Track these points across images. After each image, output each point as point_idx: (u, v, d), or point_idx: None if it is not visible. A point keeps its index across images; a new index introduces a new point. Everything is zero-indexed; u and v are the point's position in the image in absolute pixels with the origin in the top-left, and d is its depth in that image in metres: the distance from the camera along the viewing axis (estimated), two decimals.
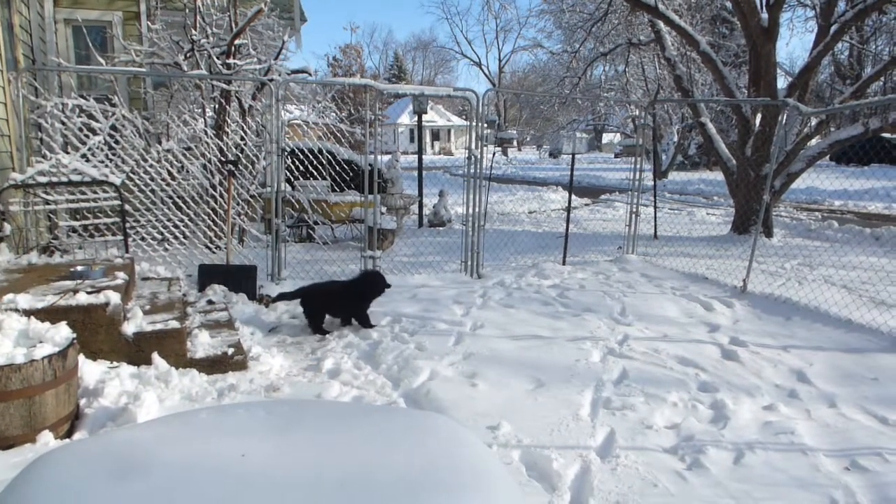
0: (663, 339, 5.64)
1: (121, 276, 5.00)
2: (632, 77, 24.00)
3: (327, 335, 5.62)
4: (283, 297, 5.94)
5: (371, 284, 5.90)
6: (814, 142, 11.34)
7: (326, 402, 3.98)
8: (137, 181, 7.49)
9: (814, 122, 11.23)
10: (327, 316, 5.90)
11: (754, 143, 10.98)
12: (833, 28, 10.50)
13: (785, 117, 8.38)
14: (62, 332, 3.63)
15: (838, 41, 11.10)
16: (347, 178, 9.75)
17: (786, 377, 4.81)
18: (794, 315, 6.43)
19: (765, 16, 10.59)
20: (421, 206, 13.49)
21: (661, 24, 12.69)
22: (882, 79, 12.53)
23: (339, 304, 5.90)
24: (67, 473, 1.33)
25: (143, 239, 7.57)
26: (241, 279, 6.64)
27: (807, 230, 12.03)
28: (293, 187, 9.61)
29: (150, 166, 7.55)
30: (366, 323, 5.84)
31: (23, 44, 6.94)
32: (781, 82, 12.76)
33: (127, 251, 6.54)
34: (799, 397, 4.42)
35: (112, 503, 1.22)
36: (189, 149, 8.05)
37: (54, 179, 6.46)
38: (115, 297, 4.39)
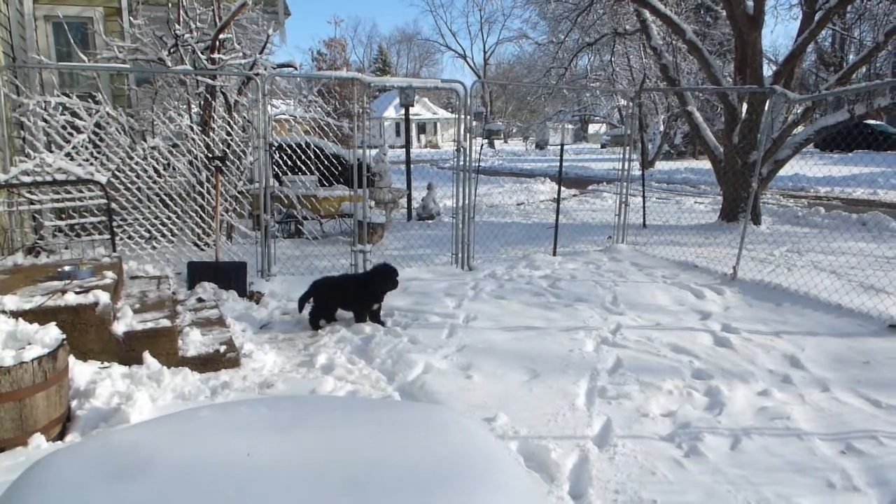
0: (656, 328, 5.66)
1: (109, 276, 4.94)
2: (618, 67, 24.04)
3: (319, 331, 5.59)
4: (303, 300, 5.78)
5: (384, 277, 5.74)
6: (800, 129, 11.39)
7: (328, 397, 3.95)
8: (123, 179, 7.41)
9: (800, 109, 11.29)
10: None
11: (741, 131, 11.02)
12: (818, 15, 10.53)
13: (772, 105, 8.40)
14: (51, 333, 3.58)
15: (823, 28, 11.11)
16: (336, 173, 9.69)
17: (779, 363, 4.83)
18: (785, 301, 6.46)
19: (750, 3, 10.59)
20: (410, 200, 13.45)
21: (647, 13, 12.70)
22: (866, 65, 12.56)
23: (353, 298, 5.79)
24: (70, 476, 1.30)
25: (130, 237, 7.50)
26: (230, 276, 6.58)
27: (794, 217, 12.10)
28: (281, 183, 9.55)
29: (136, 164, 7.47)
30: (377, 319, 5.76)
31: (2, 41, 6.83)
32: (766, 70, 12.80)
33: (114, 250, 6.47)
34: (792, 382, 4.44)
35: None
36: (175, 145, 7.97)
37: (38, 179, 6.38)
38: (104, 297, 4.34)
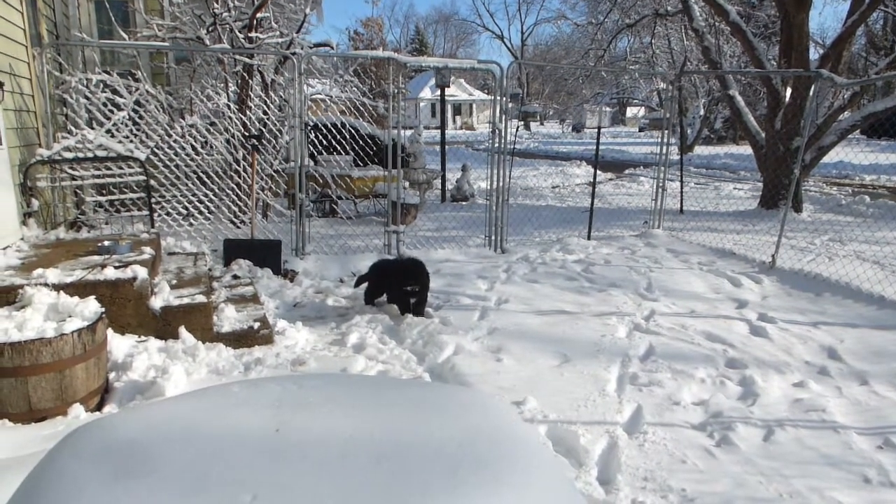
0: (690, 315, 5.57)
1: (147, 251, 5.03)
2: (658, 49, 23.57)
3: (349, 309, 5.63)
4: (361, 279, 5.92)
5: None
6: (846, 114, 11.04)
7: (358, 375, 3.98)
8: (162, 156, 7.52)
9: (847, 94, 10.93)
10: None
11: (784, 116, 10.73)
12: None
13: (817, 89, 8.12)
14: (91, 307, 3.67)
15: (875, 9, 10.72)
16: (370, 153, 9.72)
17: (816, 354, 4.73)
18: (825, 291, 6.31)
19: None
20: (444, 181, 13.42)
21: None
22: None
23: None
24: (99, 448, 1.33)
25: (168, 214, 7.62)
26: (265, 254, 6.66)
27: (837, 205, 11.78)
28: (316, 162, 9.60)
29: (175, 141, 7.57)
30: (419, 312, 5.54)
31: (46, 19, 6.94)
32: (812, 54, 12.42)
33: (153, 226, 6.59)
34: (830, 374, 4.34)
35: (147, 479, 1.22)
36: (213, 124, 8.05)
37: (80, 155, 6.50)
38: (142, 272, 4.42)
